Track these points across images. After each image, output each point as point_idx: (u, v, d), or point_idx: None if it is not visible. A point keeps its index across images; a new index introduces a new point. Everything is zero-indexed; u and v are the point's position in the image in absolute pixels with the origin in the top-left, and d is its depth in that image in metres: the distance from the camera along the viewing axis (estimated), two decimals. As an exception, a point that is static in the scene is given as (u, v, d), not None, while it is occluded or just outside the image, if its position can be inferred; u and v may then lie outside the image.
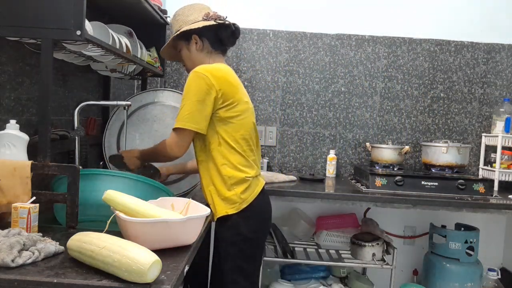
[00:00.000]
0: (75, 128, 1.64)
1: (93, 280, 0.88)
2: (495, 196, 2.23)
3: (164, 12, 2.26)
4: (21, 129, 1.30)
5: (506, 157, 2.48)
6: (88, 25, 1.40)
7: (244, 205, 1.57)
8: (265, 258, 2.11)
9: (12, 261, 0.91)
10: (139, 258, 0.86)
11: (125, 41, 1.75)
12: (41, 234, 1.08)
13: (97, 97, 2.16)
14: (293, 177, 2.41)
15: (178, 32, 1.66)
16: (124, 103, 1.71)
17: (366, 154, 2.75)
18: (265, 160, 2.65)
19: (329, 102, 2.75)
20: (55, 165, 1.24)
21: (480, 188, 2.19)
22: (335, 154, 2.69)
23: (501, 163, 2.44)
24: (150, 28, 2.26)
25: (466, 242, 2.32)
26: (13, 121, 1.28)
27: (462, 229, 2.46)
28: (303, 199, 2.09)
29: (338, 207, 2.66)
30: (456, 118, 2.74)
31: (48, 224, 1.32)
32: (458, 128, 2.74)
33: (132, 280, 0.87)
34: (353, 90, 2.74)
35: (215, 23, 1.62)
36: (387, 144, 2.62)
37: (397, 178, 2.19)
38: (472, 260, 2.34)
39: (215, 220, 1.61)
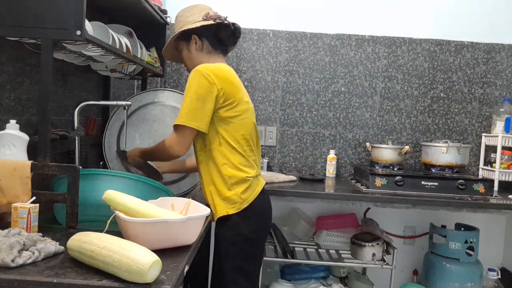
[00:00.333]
0: (75, 128, 1.64)
1: (93, 280, 0.88)
2: (495, 196, 2.23)
3: (164, 12, 2.26)
4: (21, 129, 1.30)
5: (506, 157, 2.48)
6: (88, 25, 1.40)
7: (244, 205, 1.57)
8: (265, 258, 2.11)
9: (12, 261, 0.91)
10: (139, 258, 0.86)
11: (125, 41, 1.75)
12: (41, 234, 1.08)
13: (97, 97, 2.16)
14: (293, 177, 2.41)
15: (177, 33, 1.67)
16: (124, 103, 1.71)
17: (366, 154, 2.75)
18: (265, 160, 2.65)
19: (329, 102, 2.75)
20: (55, 165, 1.24)
21: (480, 188, 2.19)
22: (335, 154, 2.69)
23: (501, 163, 2.44)
24: (150, 28, 2.26)
25: (466, 242, 2.32)
26: (13, 121, 1.28)
27: (462, 229, 2.46)
28: (303, 199, 2.09)
29: (338, 207, 2.66)
30: (456, 118, 2.74)
31: (48, 224, 1.32)
32: (458, 128, 2.74)
33: (132, 280, 0.87)
34: (353, 90, 2.74)
35: (213, 22, 1.63)
36: (387, 144, 2.62)
37: (397, 178, 2.19)
38: (472, 260, 2.34)
39: (215, 220, 1.61)
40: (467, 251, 2.32)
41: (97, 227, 1.15)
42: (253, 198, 1.59)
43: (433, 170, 2.48)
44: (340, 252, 2.41)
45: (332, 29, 2.73)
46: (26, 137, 1.30)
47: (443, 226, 2.47)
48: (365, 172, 2.31)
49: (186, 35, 1.67)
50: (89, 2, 1.29)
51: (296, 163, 2.77)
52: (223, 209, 1.57)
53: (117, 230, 1.13)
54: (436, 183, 2.19)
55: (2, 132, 1.27)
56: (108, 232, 1.05)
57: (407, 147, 2.48)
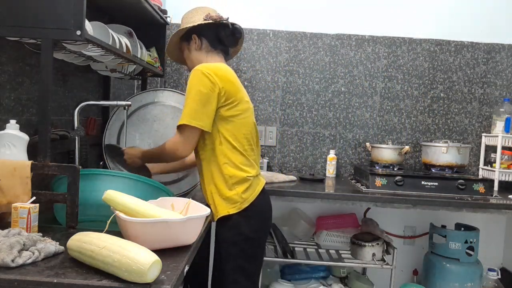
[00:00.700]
0: (75, 128, 1.64)
1: (93, 280, 0.88)
2: (495, 196, 2.23)
3: (164, 12, 2.26)
4: (21, 129, 1.30)
5: (506, 157, 2.48)
6: (88, 25, 1.40)
7: (245, 205, 1.57)
8: (265, 258, 2.11)
9: (12, 261, 0.91)
10: (139, 258, 0.86)
11: (125, 41, 1.75)
12: (41, 234, 1.08)
13: (97, 97, 2.16)
14: (293, 177, 2.41)
15: (176, 31, 1.70)
16: (124, 103, 1.71)
17: (366, 154, 2.75)
18: (265, 160, 2.65)
19: (329, 102, 2.75)
20: (55, 165, 1.24)
21: (480, 188, 2.19)
22: (335, 154, 2.69)
23: (501, 163, 2.44)
24: (150, 28, 2.26)
25: (466, 242, 2.32)
26: (13, 121, 1.28)
27: (462, 229, 2.46)
28: (303, 199, 2.09)
29: (338, 207, 2.66)
30: (456, 118, 2.74)
31: (48, 224, 1.32)
32: (458, 128, 2.74)
33: (132, 280, 0.87)
34: (353, 90, 2.74)
35: (212, 21, 1.64)
36: (387, 144, 2.62)
37: (397, 178, 2.18)
38: (472, 260, 2.34)
39: (216, 220, 1.61)
40: (467, 251, 2.32)
41: (97, 227, 1.15)
42: (254, 198, 1.59)
43: (433, 170, 2.48)
44: (340, 252, 2.41)
45: (332, 29, 2.73)
46: (26, 137, 1.30)
47: (443, 226, 2.47)
48: (365, 172, 2.31)
49: (187, 35, 1.70)
50: (89, 2, 1.29)
51: (296, 163, 2.76)
52: (224, 209, 1.57)
53: (117, 230, 1.13)
54: (436, 183, 2.19)
55: (2, 132, 1.27)
56: (108, 232, 1.05)
57: (407, 147, 2.48)
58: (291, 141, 2.76)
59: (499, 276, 2.51)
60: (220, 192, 1.57)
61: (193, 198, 1.37)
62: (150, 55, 2.14)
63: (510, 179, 2.42)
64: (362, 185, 2.28)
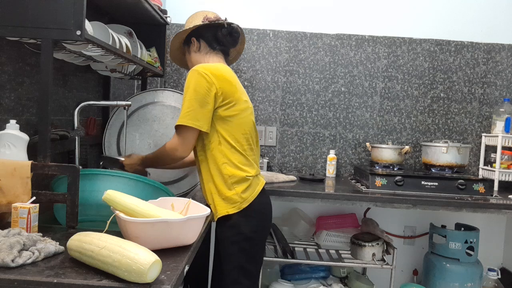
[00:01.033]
0: (75, 128, 1.64)
1: (93, 280, 0.88)
2: (495, 196, 2.23)
3: (164, 12, 2.26)
4: (21, 129, 1.30)
5: (506, 157, 2.48)
6: (88, 25, 1.40)
7: (245, 205, 1.57)
8: (265, 258, 2.11)
9: (12, 261, 0.92)
10: (139, 258, 0.86)
11: (125, 41, 1.75)
12: (41, 234, 1.08)
13: (97, 97, 2.16)
14: (293, 177, 2.41)
15: (174, 35, 1.74)
16: (124, 103, 1.71)
17: (366, 154, 2.75)
18: (265, 160, 2.65)
19: (329, 102, 2.75)
20: (55, 165, 1.24)
21: (480, 188, 2.19)
22: (335, 154, 2.69)
23: (501, 163, 2.44)
24: (150, 28, 2.26)
25: (466, 242, 2.32)
26: (13, 121, 1.28)
27: (462, 229, 2.46)
28: (303, 199, 2.09)
29: (338, 207, 2.66)
30: (456, 118, 2.74)
31: (48, 224, 1.32)
32: (458, 128, 2.74)
33: (132, 280, 0.87)
34: (353, 90, 2.74)
35: (208, 22, 1.66)
36: (387, 144, 2.62)
37: (397, 178, 2.18)
38: (472, 260, 2.34)
39: (216, 220, 1.61)
40: (467, 251, 2.32)
41: (97, 227, 1.15)
42: (254, 198, 1.60)
43: (433, 170, 2.48)
44: (340, 252, 2.41)
45: (332, 29, 2.73)
46: (26, 137, 1.30)
47: (443, 226, 2.47)
48: (365, 172, 2.31)
49: (188, 39, 1.74)
50: (89, 2, 1.29)
51: (296, 163, 2.76)
52: (224, 209, 1.57)
53: (117, 230, 1.13)
54: (436, 183, 2.19)
55: (2, 132, 1.27)
56: (108, 232, 1.05)
57: (407, 147, 2.48)
58: (291, 141, 2.76)
59: (499, 276, 2.51)
60: (219, 192, 1.57)
61: (193, 198, 1.37)
62: (150, 55, 2.14)
63: (510, 179, 2.42)
64: (362, 185, 2.28)
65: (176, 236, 1.11)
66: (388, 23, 2.73)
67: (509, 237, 2.67)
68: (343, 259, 2.33)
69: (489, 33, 2.70)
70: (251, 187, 1.60)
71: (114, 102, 1.73)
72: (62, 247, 1.04)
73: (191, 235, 1.16)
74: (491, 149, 2.60)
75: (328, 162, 2.67)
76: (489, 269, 2.48)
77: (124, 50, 1.71)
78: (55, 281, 0.87)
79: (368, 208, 2.66)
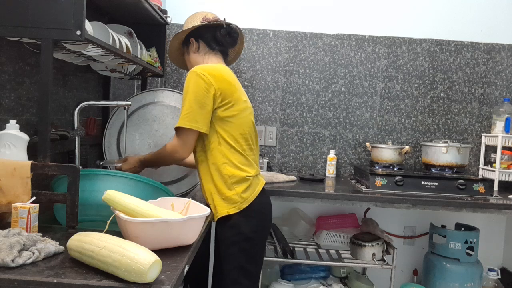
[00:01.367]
0: (75, 128, 1.64)
1: (93, 280, 0.88)
2: (495, 196, 2.23)
3: (164, 12, 2.26)
4: (21, 129, 1.30)
5: (506, 157, 2.48)
6: (88, 25, 1.40)
7: (245, 205, 1.57)
8: (265, 258, 2.11)
9: (12, 261, 0.91)
10: (139, 258, 0.86)
11: (125, 41, 1.75)
12: (41, 234, 1.08)
13: (97, 97, 2.16)
14: (293, 177, 2.41)
15: (173, 36, 1.74)
16: (124, 103, 1.71)
17: (366, 154, 2.75)
18: (265, 160, 2.65)
19: (329, 102, 2.75)
20: (55, 165, 1.24)
21: (480, 188, 2.19)
22: (335, 154, 2.69)
23: (501, 163, 2.44)
24: (150, 28, 2.26)
25: (466, 242, 2.32)
26: (13, 121, 1.28)
27: (462, 229, 2.46)
28: (303, 199, 2.09)
29: (338, 207, 2.66)
30: (456, 118, 2.74)
31: (48, 224, 1.32)
32: (458, 128, 2.74)
33: (132, 280, 0.87)
34: (353, 90, 2.74)
35: (206, 23, 1.66)
36: (387, 144, 2.62)
37: (397, 178, 2.18)
38: (472, 260, 2.34)
39: (216, 220, 1.61)
40: (467, 251, 2.32)
41: (97, 227, 1.15)
42: (254, 198, 1.60)
43: (433, 170, 2.48)
44: (340, 252, 2.41)
45: (332, 29, 2.73)
46: (26, 137, 1.30)
47: (443, 226, 2.47)
48: (365, 172, 2.31)
49: (186, 39, 1.74)
50: (89, 2, 1.29)
51: (296, 163, 2.76)
52: (224, 209, 1.57)
53: (117, 230, 1.13)
54: (436, 183, 2.19)
55: (2, 132, 1.27)
56: (108, 232, 1.05)
57: (407, 147, 2.48)
58: (291, 141, 2.76)
59: (499, 276, 2.51)
60: (219, 192, 1.57)
61: (193, 198, 1.37)
62: (150, 55, 2.14)
63: (510, 179, 2.42)
64: (362, 185, 2.28)
65: (176, 236, 1.11)
66: (388, 23, 2.73)
67: (509, 237, 2.67)
68: (343, 259, 2.33)
69: (489, 33, 2.70)
70: (251, 187, 1.60)
71: (114, 102, 1.73)
72: (62, 247, 1.04)
73: (191, 235, 1.16)
74: (491, 149, 2.60)
75: (328, 162, 2.67)
76: (489, 269, 2.48)
77: (124, 50, 1.71)
78: (55, 281, 0.87)
79: (368, 208, 2.66)
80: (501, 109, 2.55)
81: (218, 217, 1.59)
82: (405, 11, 2.72)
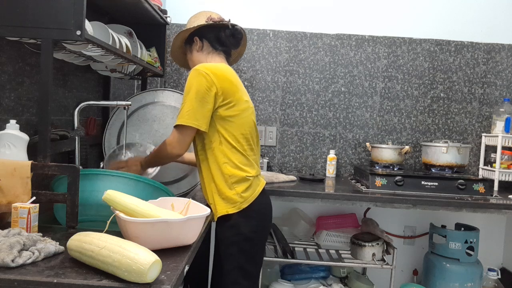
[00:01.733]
0: (75, 128, 1.64)
1: (93, 280, 0.88)
2: (495, 196, 2.23)
3: (164, 12, 2.26)
4: (21, 129, 1.30)
5: (506, 157, 2.48)
6: (88, 25, 1.40)
7: (245, 205, 1.57)
8: (265, 258, 2.11)
9: (12, 261, 0.91)
10: (139, 258, 0.86)
11: (125, 41, 1.75)
12: (41, 234, 1.08)
13: (97, 97, 2.16)
14: (293, 177, 2.41)
15: (178, 34, 1.72)
16: (124, 103, 1.71)
17: (366, 154, 2.75)
18: (265, 160, 2.65)
19: (329, 102, 2.75)
20: (55, 165, 1.24)
21: (480, 188, 2.19)
22: (335, 154, 2.69)
23: (501, 163, 2.44)
24: (150, 28, 2.26)
25: (466, 242, 2.32)
26: (13, 121, 1.28)
27: (462, 229, 2.46)
28: (303, 199, 2.09)
29: (338, 207, 2.66)
30: (456, 118, 2.74)
31: (48, 224, 1.32)
32: (458, 128, 2.74)
33: (132, 280, 0.87)
34: (353, 90, 2.74)
35: (212, 22, 1.66)
36: (387, 144, 2.62)
37: (397, 178, 2.18)
38: (472, 260, 2.34)
39: (216, 219, 1.61)
40: (467, 251, 2.32)
41: (97, 227, 1.15)
42: (254, 198, 1.60)
43: (433, 170, 2.48)
44: (340, 252, 2.41)
45: (332, 29, 2.73)
46: (26, 137, 1.30)
47: (443, 226, 2.47)
48: (365, 172, 2.31)
49: (189, 38, 1.74)
50: (89, 2, 1.29)
51: (296, 163, 2.76)
52: (223, 208, 1.57)
53: (117, 230, 1.13)
54: (436, 183, 2.19)
55: (2, 132, 1.27)
56: (108, 232, 1.05)
57: (407, 147, 2.48)
58: (291, 141, 2.76)
59: (499, 276, 2.51)
60: (220, 191, 1.57)
61: (193, 198, 1.37)
62: (150, 55, 2.14)
63: (510, 179, 2.42)
64: (362, 185, 2.28)
65: (176, 236, 1.11)
66: (388, 23, 2.73)
67: (509, 237, 2.67)
68: (343, 259, 2.33)
69: (489, 33, 2.70)
70: (251, 187, 1.60)
71: (114, 102, 1.73)
72: (62, 247, 1.04)
73: (191, 235, 1.16)
74: (491, 149, 2.60)
75: (328, 162, 2.67)
76: (489, 269, 2.48)
77: (124, 50, 1.71)
78: (55, 281, 0.87)
79: (368, 208, 2.66)
80: (501, 109, 2.55)
81: (218, 216, 1.58)
82: (405, 11, 2.72)
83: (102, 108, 2.20)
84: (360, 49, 2.73)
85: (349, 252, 2.35)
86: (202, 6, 2.42)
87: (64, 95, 1.80)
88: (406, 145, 2.71)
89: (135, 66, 2.06)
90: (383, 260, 2.23)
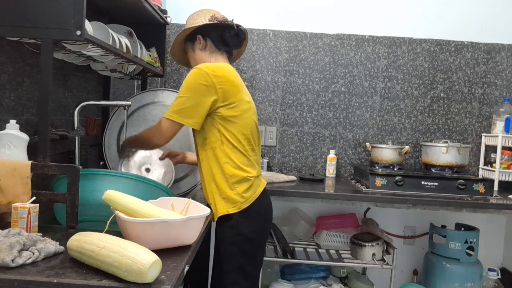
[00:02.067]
0: (75, 128, 1.64)
1: (93, 280, 0.88)
2: (495, 196, 2.23)
3: (164, 12, 2.26)
4: (21, 129, 1.30)
5: (506, 157, 2.48)
6: (88, 25, 1.40)
7: (245, 205, 1.57)
8: (265, 258, 2.11)
9: (12, 261, 0.91)
10: (139, 258, 0.86)
11: (125, 41, 1.75)
12: (41, 234, 1.08)
13: (97, 97, 2.16)
14: (293, 177, 2.41)
15: (182, 31, 1.71)
16: (124, 103, 1.71)
17: (366, 154, 2.75)
18: (265, 160, 2.65)
19: (329, 102, 2.75)
20: (55, 165, 1.24)
21: (480, 188, 2.19)
22: (335, 154, 2.69)
23: (501, 163, 2.44)
24: (150, 28, 2.26)
25: (466, 242, 2.32)
26: (13, 121, 1.28)
27: (462, 229, 2.46)
28: (303, 199, 2.09)
29: (338, 207, 2.66)
30: (456, 118, 2.74)
31: (48, 224, 1.32)
32: (458, 128, 2.74)
33: (132, 280, 0.87)
34: (353, 90, 2.74)
35: (217, 22, 1.65)
36: (387, 144, 2.62)
37: (397, 178, 2.18)
38: (472, 260, 2.34)
39: (216, 219, 1.61)
40: (467, 251, 2.32)
41: (97, 227, 1.15)
42: (255, 198, 1.60)
43: (433, 170, 2.48)
44: (340, 252, 2.41)
45: (332, 29, 2.73)
46: (26, 137, 1.30)
47: (443, 226, 2.47)
48: (365, 172, 2.31)
49: (192, 36, 1.72)
50: (89, 2, 1.29)
51: (296, 163, 2.76)
52: (224, 208, 1.57)
53: (117, 230, 1.13)
54: (436, 183, 2.19)
55: (2, 132, 1.27)
56: (108, 232, 1.05)
57: (407, 147, 2.48)
58: (291, 141, 2.76)
59: (499, 276, 2.51)
60: (220, 191, 1.57)
61: (193, 198, 1.37)
62: (150, 55, 2.14)
63: (510, 179, 2.42)
64: (362, 185, 2.28)
65: (176, 236, 1.11)
66: (388, 23, 2.73)
67: (509, 237, 2.67)
68: (343, 259, 2.33)
69: (489, 33, 2.70)
70: (252, 187, 1.60)
71: (114, 102, 1.74)
72: (62, 247, 1.04)
73: (191, 235, 1.16)
74: (491, 149, 2.60)
75: (328, 162, 2.67)
76: (489, 269, 2.48)
77: (124, 50, 1.71)
78: (55, 281, 0.87)
79: (368, 208, 2.66)
80: (501, 109, 2.55)
81: (218, 216, 1.58)
82: (405, 11, 2.72)
83: (102, 108, 2.20)
84: (360, 49, 2.73)
85: (349, 252, 2.35)
86: (202, 6, 2.41)
87: (64, 95, 1.80)
88: (406, 145, 2.71)
89: (135, 66, 2.06)
90: (383, 260, 2.23)
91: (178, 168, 1.94)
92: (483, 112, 2.73)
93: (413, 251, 2.71)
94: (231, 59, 1.84)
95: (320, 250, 2.44)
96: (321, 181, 2.45)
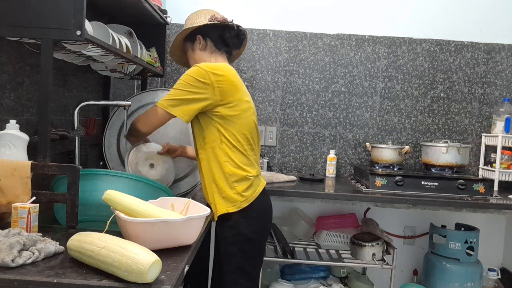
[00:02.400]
0: (75, 128, 1.64)
1: (93, 280, 0.88)
2: (495, 196, 2.23)
3: (164, 12, 2.26)
4: (21, 129, 1.30)
5: (506, 157, 2.48)
6: (88, 25, 1.40)
7: (245, 204, 1.57)
8: (265, 258, 2.11)
9: (12, 261, 0.91)
10: (139, 258, 0.86)
11: (125, 41, 1.75)
12: (41, 234, 1.08)
13: (97, 97, 2.16)
14: (293, 177, 2.41)
15: (182, 31, 1.71)
16: (124, 103, 1.71)
17: (366, 154, 2.75)
18: (265, 160, 2.65)
19: (329, 102, 2.75)
20: (55, 165, 1.24)
21: (480, 188, 2.19)
22: (335, 154, 2.69)
23: (501, 163, 2.44)
24: (150, 28, 2.26)
25: (466, 242, 2.32)
26: (13, 121, 1.28)
27: (462, 229, 2.46)
28: (303, 199, 2.09)
29: (338, 207, 2.66)
30: (456, 118, 2.74)
31: (48, 224, 1.32)
32: (458, 128, 2.74)
33: (132, 280, 0.87)
34: (353, 90, 2.74)
35: (217, 22, 1.65)
36: (387, 144, 2.62)
37: (397, 178, 2.18)
38: (472, 260, 2.34)
39: (216, 219, 1.61)
40: (467, 251, 2.32)
41: (97, 227, 1.15)
42: (254, 198, 1.60)
43: (433, 170, 2.48)
44: (340, 252, 2.41)
45: (332, 29, 2.73)
46: (26, 137, 1.30)
47: (443, 226, 2.47)
48: (365, 172, 2.31)
49: (191, 36, 1.72)
50: (89, 2, 1.29)
51: (296, 163, 2.76)
52: (223, 207, 1.57)
53: (117, 230, 1.13)
54: (436, 183, 2.19)
55: (2, 132, 1.27)
56: (108, 232, 1.05)
57: (407, 147, 2.48)
58: (291, 141, 2.76)
59: (499, 276, 2.51)
60: (220, 190, 1.57)
61: (193, 198, 1.37)
62: (150, 55, 2.14)
63: (510, 179, 2.42)
64: (362, 185, 2.28)
65: (176, 236, 1.11)
66: (388, 23, 2.73)
67: (509, 237, 2.67)
68: (343, 259, 2.33)
69: (489, 33, 2.70)
70: (252, 186, 1.60)
71: (114, 102, 1.73)
72: (62, 247, 1.04)
73: (191, 235, 1.16)
74: (491, 149, 2.60)
75: (328, 162, 2.67)
76: (489, 269, 2.48)
77: (124, 50, 1.71)
78: (55, 281, 0.87)
79: (368, 208, 2.66)
80: (501, 109, 2.55)
81: (218, 215, 1.58)
82: (405, 11, 2.72)
83: (102, 108, 2.20)
84: (360, 49, 2.73)
85: (349, 252, 2.35)
86: (202, 6, 2.41)
87: (64, 95, 1.80)
88: (406, 145, 2.71)
89: (135, 66, 2.06)
90: (383, 260, 2.23)
91: (178, 168, 1.94)
92: (483, 112, 2.73)
93: (413, 251, 2.71)
94: (230, 60, 1.84)
95: (320, 250, 2.44)
96: (321, 181, 2.45)
